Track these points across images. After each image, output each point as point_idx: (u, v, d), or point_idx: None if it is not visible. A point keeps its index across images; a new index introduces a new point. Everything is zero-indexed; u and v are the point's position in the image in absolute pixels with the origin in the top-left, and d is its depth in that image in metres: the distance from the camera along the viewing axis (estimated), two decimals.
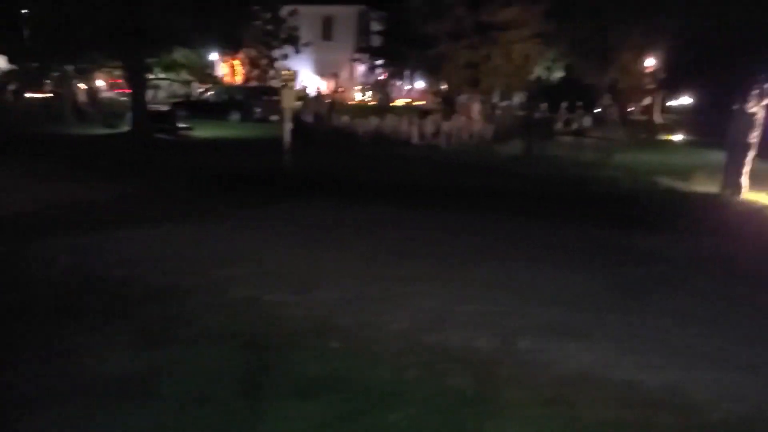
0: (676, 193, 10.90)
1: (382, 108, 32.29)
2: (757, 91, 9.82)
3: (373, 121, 20.09)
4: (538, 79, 38.75)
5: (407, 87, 47.96)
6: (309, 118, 24.19)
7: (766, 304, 5.58)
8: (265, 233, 7.42)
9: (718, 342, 4.59)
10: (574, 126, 15.16)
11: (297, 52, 34.59)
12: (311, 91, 32.72)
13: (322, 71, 46.35)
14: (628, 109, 32.55)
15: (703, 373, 4.02)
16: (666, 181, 11.86)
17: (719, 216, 9.13)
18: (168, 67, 24.55)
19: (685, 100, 43.14)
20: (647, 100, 31.62)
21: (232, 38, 28.91)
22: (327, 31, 46.28)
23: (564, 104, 14.93)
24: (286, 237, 7.31)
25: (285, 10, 31.60)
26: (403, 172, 12.44)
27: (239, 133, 23.23)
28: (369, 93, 45.20)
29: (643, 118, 30.86)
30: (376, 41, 38.62)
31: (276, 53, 33.38)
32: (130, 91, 20.65)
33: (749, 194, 10.37)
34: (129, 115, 19.93)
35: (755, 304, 5.51)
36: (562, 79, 15.65)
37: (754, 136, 10.08)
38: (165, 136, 20.08)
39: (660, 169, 13.19)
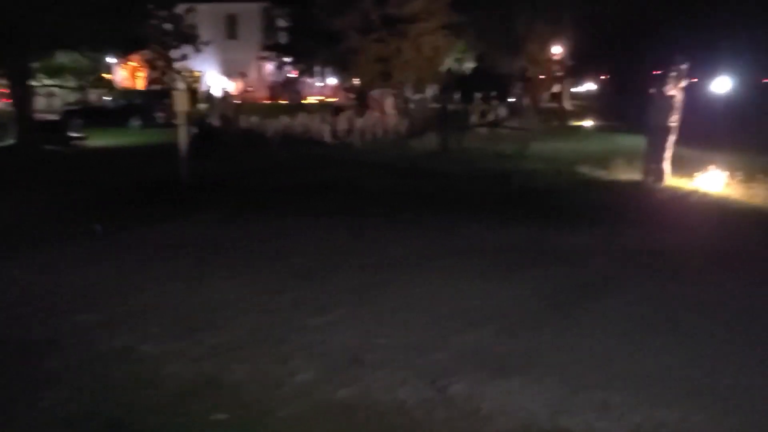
0: (600, 183, 10.47)
1: (294, 107, 31.22)
2: (674, 74, 9.48)
3: (283, 121, 19.02)
4: (450, 70, 38.75)
5: (319, 84, 46.83)
6: (216, 121, 22.86)
7: (718, 305, 5.05)
8: (148, 259, 6.33)
9: (678, 362, 3.97)
10: (490, 117, 14.69)
11: (197, 51, 32.78)
12: (217, 93, 31.13)
13: (229, 71, 44.59)
14: (539, 98, 32.95)
15: (677, 411, 3.35)
16: (587, 171, 11.48)
17: (645, 206, 8.78)
18: (54, 73, 22.54)
19: (590, 86, 44.46)
20: (556, 88, 32.04)
21: (126, 39, 26.99)
22: (231, 29, 44.53)
23: (478, 95, 14.42)
24: (174, 262, 6.25)
25: (181, 8, 29.74)
26: (314, 175, 11.49)
27: (138, 141, 21.59)
28: (280, 91, 43.77)
29: (554, 105, 31.23)
30: (283, 38, 37.27)
31: (175, 54, 31.44)
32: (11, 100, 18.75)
33: (672, 180, 10.08)
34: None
35: (707, 308, 4.97)
36: (474, 70, 15.15)
37: (674, 120, 9.74)
38: (55, 147, 18.27)
39: (579, 158, 12.84)
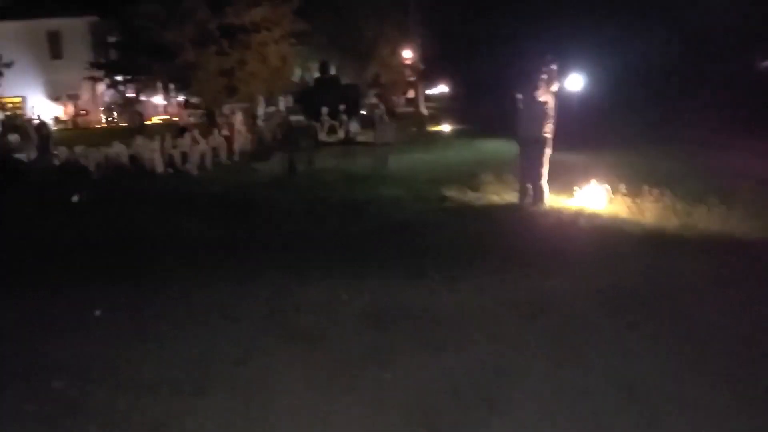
0: (472, 209, 8.89)
1: (134, 129, 28.15)
2: (544, 76, 8.20)
3: (107, 150, 16.33)
4: (303, 79, 37.12)
5: (164, 103, 43.26)
6: (32, 153, 19.57)
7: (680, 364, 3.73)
8: None
9: None
10: (340, 133, 13.15)
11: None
12: (37, 119, 27.19)
13: (57, 94, 39.97)
14: (395, 103, 32.15)
15: None
16: (456, 194, 9.91)
17: (530, 237, 7.35)
18: None
19: (443, 89, 44.66)
20: (411, 93, 31.36)
21: None
22: (55, 48, 39.92)
23: (324, 109, 12.84)
24: None
25: None
26: (123, 222, 9.21)
27: None
28: (118, 113, 39.84)
29: (410, 110, 30.53)
30: (113, 54, 33.69)
31: None
32: None
33: (552, 199, 8.75)
34: None
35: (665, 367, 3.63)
36: (318, 81, 13.57)
37: (549, 130, 8.28)
38: None
39: (442, 175, 11.43)
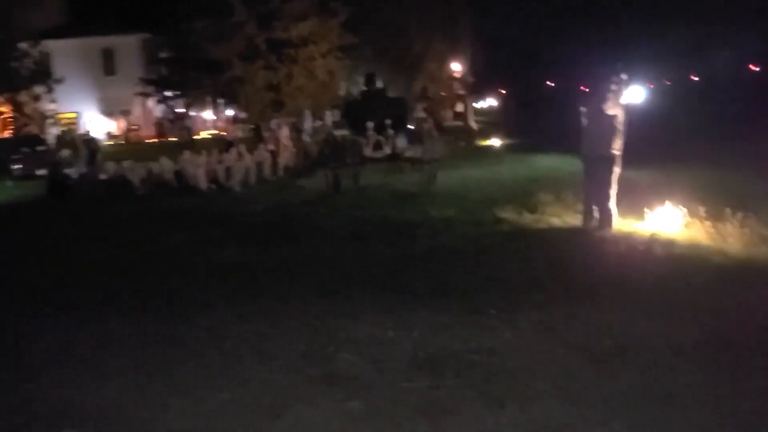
0: (531, 233, 8.04)
1: (183, 144, 28.40)
2: (614, 87, 7.37)
3: (150, 166, 16.21)
4: (349, 93, 36.90)
5: (213, 118, 43.71)
6: (83, 169, 19.74)
7: None
8: None
9: None
10: (387, 148, 12.59)
11: (49, 91, 29.39)
12: (89, 135, 27.62)
13: (110, 110, 40.84)
14: (443, 118, 31.50)
15: None
16: (511, 215, 9.08)
17: (600, 267, 6.47)
18: None
19: (491, 102, 43.78)
20: (459, 107, 30.70)
21: None
22: (108, 64, 40.88)
23: (370, 124, 12.30)
24: None
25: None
26: (159, 243, 8.79)
27: None
28: (168, 129, 40.46)
29: (459, 125, 29.84)
30: (164, 71, 34.25)
31: (28, 95, 27.87)
32: None
33: (620, 222, 7.84)
34: None
35: None
36: (364, 94, 13.04)
37: (618, 147, 7.43)
38: None
39: (496, 194, 10.67)
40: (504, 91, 27.90)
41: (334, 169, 12.18)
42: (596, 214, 7.71)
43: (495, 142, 23.79)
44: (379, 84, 14.31)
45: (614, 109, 7.33)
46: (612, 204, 7.58)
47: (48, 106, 37.98)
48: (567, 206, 9.17)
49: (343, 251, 7.51)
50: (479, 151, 21.35)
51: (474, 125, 26.23)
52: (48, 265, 7.97)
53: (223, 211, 11.17)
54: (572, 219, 8.53)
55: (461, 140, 24.64)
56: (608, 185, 7.47)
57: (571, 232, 7.91)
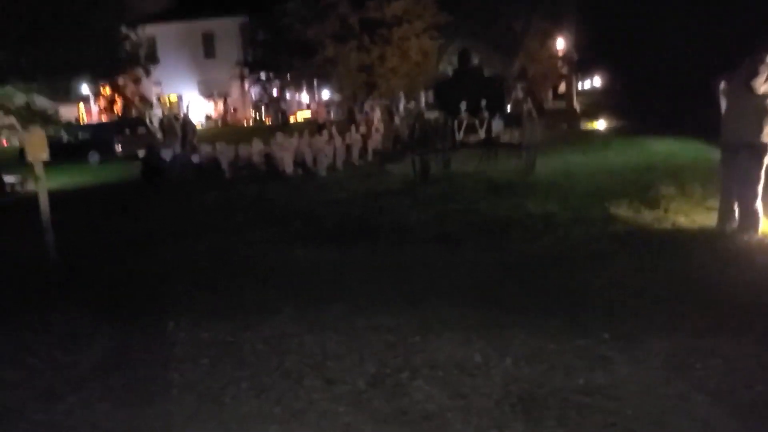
0: (653, 236, 6.59)
1: (278, 127, 28.57)
2: (764, 61, 5.96)
3: (238, 149, 16.00)
4: (442, 73, 35.79)
5: (309, 100, 43.82)
6: (177, 149, 20.01)
7: None
8: None
9: None
10: (481, 133, 11.55)
11: (147, 74, 30.26)
12: (186, 116, 28.18)
13: (209, 92, 41.81)
14: (544, 99, 29.77)
15: None
16: (625, 212, 7.68)
17: (747, 284, 5.10)
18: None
19: (595, 82, 41.00)
20: (562, 87, 28.84)
21: (93, 67, 24.31)
22: (209, 48, 41.74)
23: (463, 105, 11.25)
24: None
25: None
26: (234, 238, 8.27)
27: (86, 180, 18.75)
28: (265, 111, 40.97)
29: (559, 106, 28.03)
30: (259, 53, 34.52)
31: (126, 78, 28.76)
32: None
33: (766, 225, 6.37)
34: None
35: None
36: (456, 72, 11.94)
37: None
38: None
39: (605, 185, 9.32)
40: (612, 69, 25.87)
41: (422, 154, 11.25)
42: (737, 214, 6.33)
43: (601, 124, 22.09)
44: (475, 62, 13.11)
45: (766, 86, 5.94)
46: (758, 203, 6.18)
47: (152, 89, 39.48)
48: (695, 202, 7.74)
49: (427, 253, 6.60)
50: (584, 134, 19.75)
51: (578, 107, 24.46)
52: (114, 262, 7.62)
53: (305, 200, 10.57)
54: (704, 219, 7.12)
55: (563, 123, 23.02)
56: (755, 180, 6.08)
57: (704, 236, 6.51)
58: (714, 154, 7.22)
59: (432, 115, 12.62)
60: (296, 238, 7.80)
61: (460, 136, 11.53)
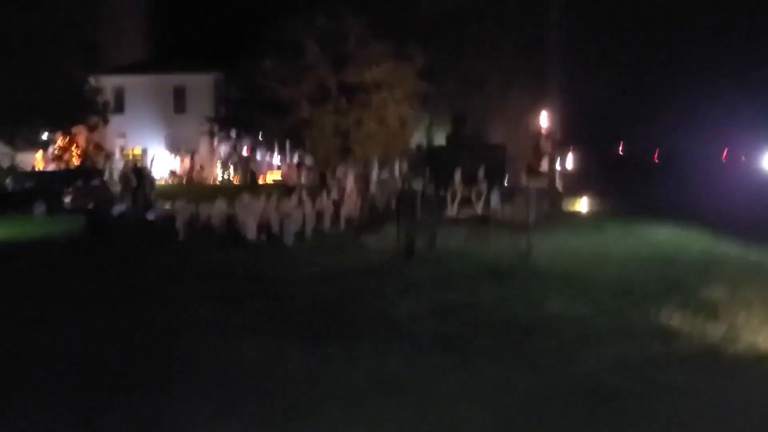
0: (736, 368, 4.88)
1: (246, 187, 27.08)
2: None
3: (196, 209, 14.41)
4: (420, 147, 35.04)
5: (278, 161, 42.41)
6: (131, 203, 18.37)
7: None
8: None
9: None
10: (477, 207, 10.21)
11: (105, 122, 28.90)
12: (148, 169, 26.48)
13: (176, 147, 40.17)
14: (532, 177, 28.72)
15: None
16: (678, 323, 6.03)
17: None
18: None
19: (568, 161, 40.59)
20: (544, 165, 28.01)
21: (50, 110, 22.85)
22: (179, 102, 40.34)
23: (457, 174, 9.92)
24: None
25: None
26: (168, 319, 6.59)
27: (27, 232, 16.78)
28: (231, 170, 39.31)
29: (539, 186, 27.02)
30: (231, 111, 33.24)
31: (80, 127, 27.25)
32: None
33: None
34: None
35: None
36: (451, 139, 10.72)
37: None
38: None
39: (627, 279, 7.86)
40: (587, 150, 25.34)
41: (407, 229, 9.78)
42: None
43: (582, 206, 21.14)
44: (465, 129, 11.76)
45: None
46: None
47: (116, 141, 37.73)
48: (760, 314, 6.21)
49: (426, 365, 4.90)
50: (568, 217, 18.63)
51: (560, 186, 23.55)
52: (26, 331, 5.88)
53: (268, 274, 8.95)
54: None
55: (544, 204, 21.96)
56: None
57: None
58: (724, 247, 5.91)
59: (418, 185, 11.23)
60: (254, 325, 6.17)
61: (453, 209, 10.18)
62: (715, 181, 15.34)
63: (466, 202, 10.28)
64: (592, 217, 17.41)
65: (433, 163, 11.83)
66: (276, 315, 6.56)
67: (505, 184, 12.62)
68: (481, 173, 10.28)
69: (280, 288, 7.90)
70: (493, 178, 10.43)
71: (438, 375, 4.74)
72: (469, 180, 10.28)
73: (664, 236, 11.92)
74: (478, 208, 10.26)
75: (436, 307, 6.70)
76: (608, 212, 18.03)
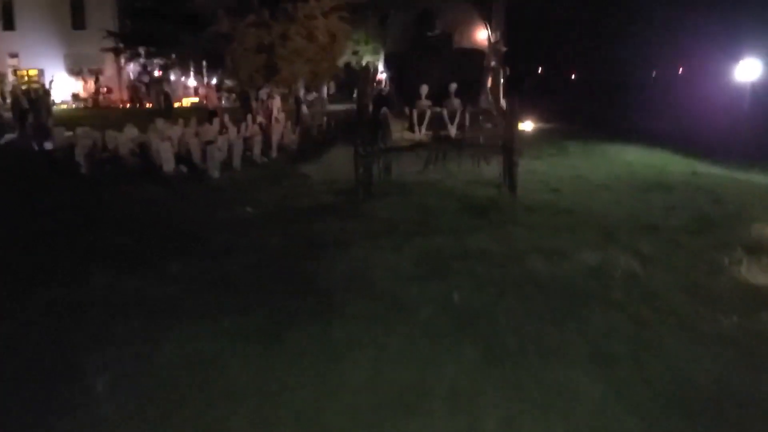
0: None
1: (160, 112, 24.45)
2: None
3: (104, 136, 12.19)
4: (349, 66, 32.71)
5: (198, 84, 39.07)
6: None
7: None
8: None
9: None
10: (451, 129, 8.62)
11: None
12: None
13: (77, 69, 36.23)
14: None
15: None
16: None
17: None
18: None
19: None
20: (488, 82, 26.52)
21: None
22: (78, 17, 36.10)
23: (425, 88, 8.22)
24: None
25: None
26: (50, 287, 4.83)
27: None
28: (142, 94, 35.99)
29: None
30: (141, 25, 29.66)
31: None
32: None
33: None
34: None
35: None
36: (417, 43, 8.86)
37: None
38: None
39: (646, 212, 6.57)
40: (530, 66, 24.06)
41: (365, 156, 8.02)
42: None
43: (527, 125, 19.99)
44: (437, 30, 9.76)
45: None
46: None
47: (7, 61, 33.63)
48: None
49: (433, 345, 3.30)
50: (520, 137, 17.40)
51: (504, 104, 22.25)
52: None
53: (194, 217, 7.13)
54: None
55: (488, 123, 20.68)
56: None
57: None
58: (700, 167, 4.71)
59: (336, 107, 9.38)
60: (179, 300, 4.47)
61: (421, 131, 8.55)
62: (671, 100, 14.44)
63: (436, 121, 8.64)
64: (545, 138, 16.20)
65: (394, 73, 9.96)
66: (211, 282, 4.79)
67: (489, 100, 10.91)
68: (453, 87, 8.67)
69: (211, 236, 6.12)
70: (469, 92, 8.83)
71: (443, 356, 3.22)
72: (439, 94, 8.63)
73: (632, 157, 10.83)
74: (452, 130, 8.68)
75: (427, 261, 5.10)
76: (561, 133, 16.94)
